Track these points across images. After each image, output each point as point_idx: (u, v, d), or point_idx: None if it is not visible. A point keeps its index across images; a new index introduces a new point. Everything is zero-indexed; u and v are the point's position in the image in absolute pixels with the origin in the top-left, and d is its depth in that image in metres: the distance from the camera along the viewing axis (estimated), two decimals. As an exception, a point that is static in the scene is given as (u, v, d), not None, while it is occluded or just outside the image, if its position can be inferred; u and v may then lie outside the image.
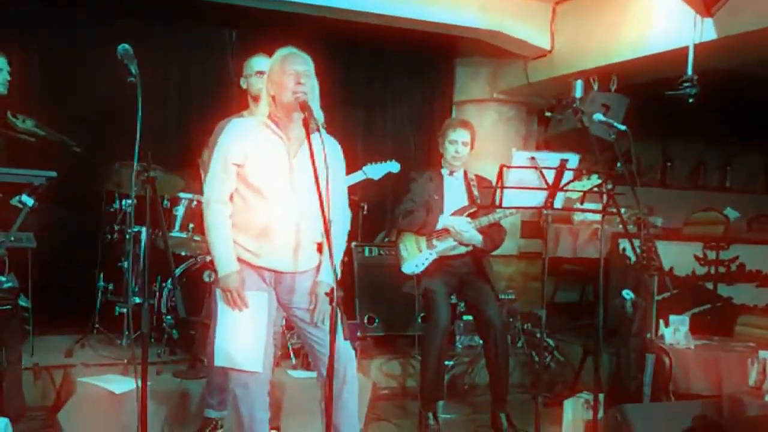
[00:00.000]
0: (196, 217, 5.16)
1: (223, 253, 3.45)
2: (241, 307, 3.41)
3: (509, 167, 3.70)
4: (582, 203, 5.61)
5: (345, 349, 3.46)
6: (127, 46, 3.27)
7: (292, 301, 3.58)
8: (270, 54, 3.59)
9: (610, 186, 3.81)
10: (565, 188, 3.83)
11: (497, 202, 3.83)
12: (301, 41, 3.53)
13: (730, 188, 9.59)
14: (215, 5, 5.82)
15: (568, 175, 3.82)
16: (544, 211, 3.86)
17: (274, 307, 3.59)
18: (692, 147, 9.44)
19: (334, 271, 3.05)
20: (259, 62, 4.26)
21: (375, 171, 5.18)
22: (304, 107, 3.29)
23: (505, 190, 3.72)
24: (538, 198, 3.86)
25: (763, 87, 6.73)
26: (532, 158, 3.73)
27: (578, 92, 4.33)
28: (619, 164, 4.04)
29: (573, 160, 3.80)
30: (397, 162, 5.27)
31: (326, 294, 3.05)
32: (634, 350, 4.33)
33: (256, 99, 4.09)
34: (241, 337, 3.44)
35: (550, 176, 3.83)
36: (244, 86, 4.39)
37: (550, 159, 3.76)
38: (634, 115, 5.26)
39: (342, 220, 3.63)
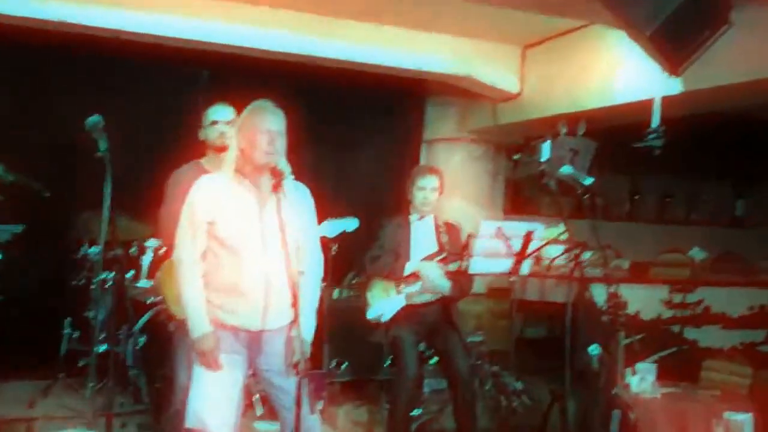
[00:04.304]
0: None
1: (196, 315, 3.39)
2: (215, 369, 3.37)
3: (477, 237, 3.72)
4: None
5: (311, 422, 3.42)
6: (97, 117, 3.20)
7: (263, 363, 3.52)
8: (228, 102, 3.54)
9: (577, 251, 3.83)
10: (530, 255, 3.86)
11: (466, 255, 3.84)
12: (268, 81, 3.51)
13: (696, 221, 9.71)
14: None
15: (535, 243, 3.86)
16: (510, 278, 3.88)
17: (246, 368, 3.53)
18: (659, 180, 9.54)
19: (301, 336, 3.03)
20: (215, 112, 4.17)
21: (331, 228, 5.15)
22: (276, 174, 3.28)
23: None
24: (505, 264, 3.89)
25: (730, 124, 6.84)
26: (499, 228, 3.76)
27: (545, 154, 4.35)
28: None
29: (539, 230, 3.83)
30: (357, 217, 5.25)
31: (294, 366, 3.03)
32: (600, 405, 4.35)
33: (215, 149, 4.08)
34: (214, 401, 3.38)
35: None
36: (202, 137, 4.23)
37: (516, 228, 3.79)
38: (602, 150, 5.27)
39: (315, 271, 3.60)
